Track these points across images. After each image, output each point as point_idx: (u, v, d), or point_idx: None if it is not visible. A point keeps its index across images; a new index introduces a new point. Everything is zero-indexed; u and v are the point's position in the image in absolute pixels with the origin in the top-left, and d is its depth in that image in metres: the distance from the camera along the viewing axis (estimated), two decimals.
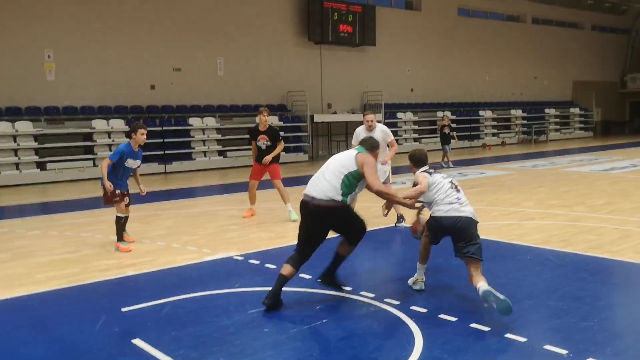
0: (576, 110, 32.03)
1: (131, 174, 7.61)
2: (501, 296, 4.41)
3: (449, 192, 5.01)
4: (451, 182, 5.17)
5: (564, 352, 3.85)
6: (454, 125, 25.65)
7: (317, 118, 21.17)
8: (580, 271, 5.94)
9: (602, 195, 10.65)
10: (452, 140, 17.91)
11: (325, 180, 5.03)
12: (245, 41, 20.37)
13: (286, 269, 4.99)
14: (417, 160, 5.40)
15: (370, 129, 8.36)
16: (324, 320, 4.54)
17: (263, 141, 9.32)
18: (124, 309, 4.96)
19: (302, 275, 5.82)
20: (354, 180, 5.00)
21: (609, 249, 6.59)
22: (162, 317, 4.79)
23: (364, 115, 8.53)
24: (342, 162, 5.11)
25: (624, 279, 5.78)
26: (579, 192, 11.00)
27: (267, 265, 6.29)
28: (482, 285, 4.54)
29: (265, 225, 8.63)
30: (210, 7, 19.63)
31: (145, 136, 7.40)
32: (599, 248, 6.65)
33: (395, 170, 16.75)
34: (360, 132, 8.39)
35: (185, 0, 19.11)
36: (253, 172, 9.50)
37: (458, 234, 4.83)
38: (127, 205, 7.54)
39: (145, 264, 6.53)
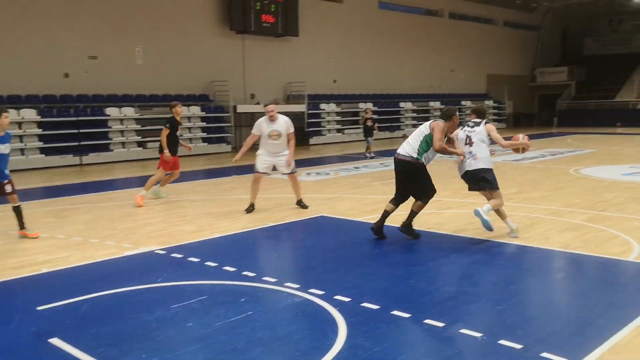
0: (490, 103, 33.48)
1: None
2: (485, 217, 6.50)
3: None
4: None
5: (479, 335, 4.05)
6: (375, 116, 26.17)
7: (240, 108, 20.99)
8: (494, 257, 6.26)
9: (513, 184, 11.22)
10: (374, 132, 18.26)
11: (408, 143, 6.73)
12: (165, 29, 19.82)
13: (389, 206, 6.88)
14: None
15: (272, 119, 8.59)
16: (249, 313, 4.54)
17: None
18: (39, 308, 4.75)
19: (226, 268, 5.80)
20: (430, 141, 6.64)
21: (520, 235, 6.96)
22: (80, 315, 4.63)
23: (265, 107, 8.80)
24: (421, 129, 6.78)
25: (533, 264, 6.14)
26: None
27: (190, 259, 6.20)
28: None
29: (188, 219, 8.48)
30: None
31: (8, 120, 7.01)
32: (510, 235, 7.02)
33: (319, 162, 16.91)
34: (262, 123, 8.64)
35: None
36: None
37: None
38: (9, 194, 7.12)
39: (61, 261, 6.27)
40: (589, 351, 3.78)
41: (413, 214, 6.79)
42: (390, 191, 10.67)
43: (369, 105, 25.96)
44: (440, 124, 6.69)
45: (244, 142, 9.13)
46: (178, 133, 10.08)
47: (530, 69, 38.07)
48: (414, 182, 6.74)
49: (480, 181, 6.86)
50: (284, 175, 9.32)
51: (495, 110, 33.83)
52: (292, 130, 8.84)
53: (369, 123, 17.71)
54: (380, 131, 26.01)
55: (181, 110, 10.26)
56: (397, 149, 6.89)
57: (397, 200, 6.86)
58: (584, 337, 4.05)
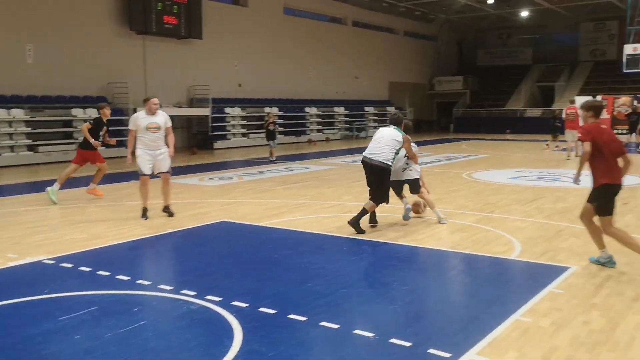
0: (392, 109, 34.63)
1: None
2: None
3: None
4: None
5: (371, 335, 4.19)
6: (280, 121, 26.34)
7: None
8: (390, 259, 6.48)
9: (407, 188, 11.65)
10: (277, 136, 18.41)
11: (382, 150, 7.50)
12: (59, 27, 18.82)
13: (368, 204, 7.51)
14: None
15: (152, 112, 8.54)
16: (142, 323, 4.42)
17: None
18: None
19: (119, 277, 5.60)
20: (398, 151, 7.65)
21: (414, 237, 7.27)
22: None
23: (149, 100, 8.62)
24: (394, 139, 7.57)
25: (426, 264, 6.43)
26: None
27: (81, 268, 5.93)
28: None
29: (81, 226, 8.10)
30: None
31: None
32: (407, 237, 7.31)
33: (223, 166, 16.72)
34: (139, 116, 8.56)
35: None
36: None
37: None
38: None
39: None
40: (471, 345, 4.01)
41: (364, 211, 7.50)
42: (293, 195, 10.77)
43: (274, 110, 26.10)
44: (408, 136, 7.75)
45: (131, 144, 8.89)
46: (101, 133, 10.56)
47: (429, 78, 39.80)
48: (379, 185, 7.55)
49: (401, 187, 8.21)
50: (156, 176, 8.84)
51: None
52: (170, 124, 8.74)
53: (272, 127, 17.80)
54: (285, 136, 26.29)
55: (109, 112, 10.87)
56: (364, 153, 7.70)
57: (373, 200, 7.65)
58: (467, 333, 4.29)
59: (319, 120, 29.11)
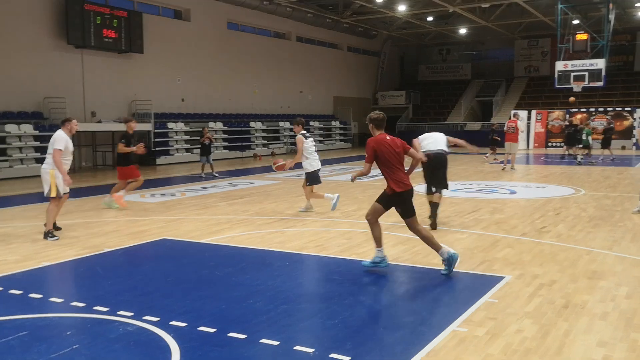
0: (337, 124, 34.97)
1: None
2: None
3: None
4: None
5: (311, 350, 4.20)
6: (225, 136, 26.19)
7: (80, 127, 19.71)
8: (332, 273, 6.52)
9: (354, 201, 11.80)
10: (212, 151, 18.60)
11: (438, 142, 8.97)
12: None
13: (436, 196, 8.83)
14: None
15: (72, 133, 8.64)
16: (75, 347, 4.27)
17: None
18: None
19: (53, 299, 5.41)
20: None
21: (355, 251, 7.34)
22: None
23: (71, 121, 8.69)
24: (442, 136, 9.11)
25: (367, 278, 6.48)
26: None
27: (12, 291, 5.68)
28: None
29: (12, 247, 7.77)
30: None
31: None
32: (349, 251, 7.38)
33: (165, 182, 16.43)
34: (67, 138, 8.41)
35: None
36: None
37: None
38: None
39: None
40: (410, 356, 4.07)
41: (436, 205, 8.75)
42: (236, 211, 10.70)
43: (219, 125, 25.93)
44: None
45: (84, 163, 8.63)
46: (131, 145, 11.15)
47: (373, 92, 40.45)
48: (445, 171, 8.84)
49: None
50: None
51: (342, 131, 35.38)
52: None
53: (207, 142, 17.81)
54: (230, 151, 26.11)
55: (135, 125, 11.64)
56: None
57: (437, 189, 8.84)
58: (406, 344, 4.36)
59: (265, 134, 29.06)
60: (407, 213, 6.41)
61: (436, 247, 6.28)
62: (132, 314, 4.96)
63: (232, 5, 26.79)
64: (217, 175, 17.52)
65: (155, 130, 22.66)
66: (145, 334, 4.55)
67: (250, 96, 28.83)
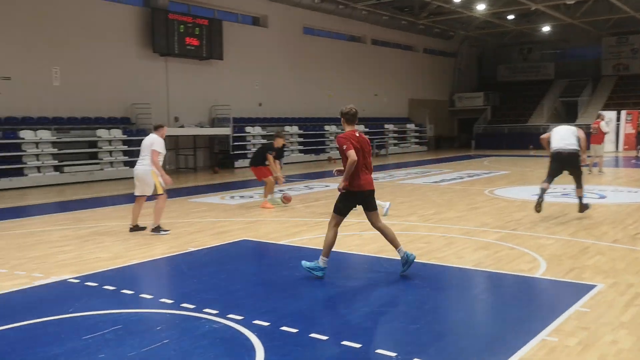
0: (412, 126, 34.57)
1: None
2: None
3: None
4: None
5: (393, 354, 4.15)
6: (300, 139, 26.56)
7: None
8: (411, 277, 6.43)
9: (432, 205, 11.61)
10: (284, 155, 18.92)
11: (568, 140, 9.51)
12: (84, 51, 19.25)
13: (579, 191, 9.62)
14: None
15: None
16: (165, 341, 4.44)
17: None
18: None
19: (143, 295, 5.65)
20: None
21: (435, 255, 7.21)
22: None
23: (162, 127, 9.20)
24: (573, 130, 9.57)
25: (447, 282, 6.36)
26: (412, 203, 11.89)
27: (106, 287, 5.99)
28: None
29: (104, 245, 8.20)
30: (46, 13, 18.30)
31: None
32: (428, 255, 7.26)
33: (244, 185, 16.84)
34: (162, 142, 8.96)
35: (16, 4, 17.61)
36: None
37: None
38: None
39: None
40: None
41: (580, 199, 9.67)
42: (313, 214, 10.80)
43: (294, 129, 26.28)
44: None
45: (167, 166, 9.10)
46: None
47: (449, 94, 39.70)
48: (578, 169, 9.49)
49: None
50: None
51: (417, 134, 34.95)
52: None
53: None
54: (305, 154, 26.40)
55: (282, 142, 11.97)
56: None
57: (551, 181, 9.69)
58: (492, 353, 4.23)
59: None
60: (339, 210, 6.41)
61: (395, 244, 6.32)
62: (217, 311, 5.11)
63: (309, 10, 27.11)
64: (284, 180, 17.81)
65: (234, 135, 23.26)
66: (230, 331, 4.67)
67: (325, 100, 29.04)
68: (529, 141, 32.81)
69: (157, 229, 8.86)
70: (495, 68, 42.44)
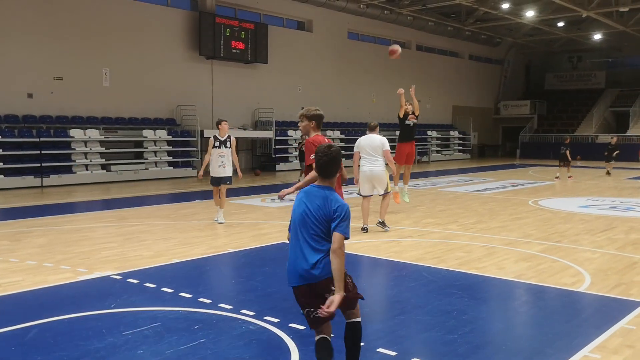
0: (455, 134, 34.15)
1: None
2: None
3: None
4: None
5: None
6: (343, 144, 26.50)
7: (207, 133, 20.89)
8: (450, 287, 6.33)
9: (473, 214, 11.42)
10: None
11: None
12: (133, 52, 19.78)
13: None
14: None
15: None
16: (202, 340, 4.50)
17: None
18: None
19: (182, 294, 5.74)
20: None
21: (475, 265, 7.09)
22: (27, 341, 4.51)
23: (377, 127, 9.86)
24: None
25: (487, 293, 6.24)
26: (453, 212, 11.73)
27: (147, 284, 6.11)
28: None
29: (146, 243, 8.38)
30: (97, 16, 18.89)
31: None
32: (467, 264, 7.14)
33: (285, 188, 16.93)
34: (362, 140, 9.59)
35: (69, 7, 18.23)
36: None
37: None
38: None
39: (12, 285, 6.11)
40: None
41: None
42: (354, 219, 10.74)
43: (337, 133, 26.33)
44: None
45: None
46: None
47: (495, 102, 39.05)
48: None
49: None
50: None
51: (460, 141, 34.50)
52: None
53: (304, 148, 18.12)
54: (346, 159, 26.36)
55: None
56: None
57: None
58: None
59: None
60: None
61: None
62: (254, 313, 5.14)
63: (353, 15, 27.12)
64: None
65: (276, 138, 23.44)
66: (266, 333, 4.69)
67: (368, 105, 28.99)
68: (576, 151, 31.95)
69: (382, 224, 9.49)
70: (543, 76, 41.57)
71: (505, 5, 26.69)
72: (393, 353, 4.28)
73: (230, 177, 10.17)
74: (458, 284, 6.42)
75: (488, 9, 27.55)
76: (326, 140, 5.68)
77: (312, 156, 5.07)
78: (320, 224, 3.57)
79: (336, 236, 3.50)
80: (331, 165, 3.64)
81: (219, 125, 10.03)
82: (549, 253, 7.76)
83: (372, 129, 9.65)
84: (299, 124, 5.62)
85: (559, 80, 40.94)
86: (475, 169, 25.49)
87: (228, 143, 10.04)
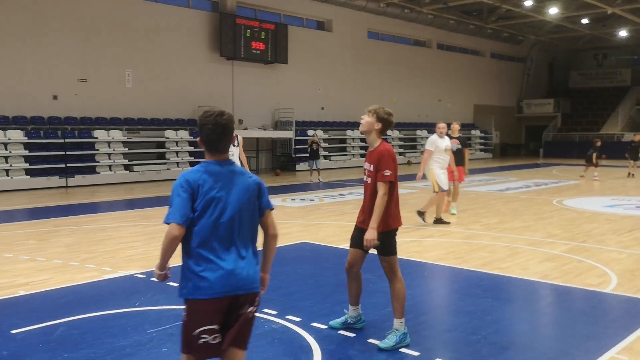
0: (477, 133, 33.85)
1: None
2: None
3: None
4: None
5: None
6: (362, 144, 26.49)
7: None
8: (473, 287, 6.29)
9: (496, 214, 11.32)
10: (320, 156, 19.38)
11: None
12: (155, 54, 19.99)
13: None
14: None
15: (442, 135, 10.10)
16: None
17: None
18: (13, 331, 4.71)
19: None
20: None
21: (498, 265, 7.02)
22: (54, 338, 4.59)
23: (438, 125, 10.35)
24: None
25: (511, 294, 6.18)
26: (475, 211, 11.64)
27: (170, 283, 6.16)
28: None
29: None
30: (120, 18, 19.13)
31: None
32: (490, 265, 7.08)
33: (305, 188, 16.96)
34: (437, 139, 10.06)
35: (92, 9, 18.49)
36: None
37: None
38: None
39: (39, 284, 6.22)
40: None
41: None
42: None
43: (357, 133, 26.29)
44: None
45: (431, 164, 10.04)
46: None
47: (517, 100, 38.63)
48: None
49: None
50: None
51: (482, 140, 34.19)
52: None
53: (315, 147, 18.52)
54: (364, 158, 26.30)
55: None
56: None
57: None
58: None
59: (401, 143, 28.94)
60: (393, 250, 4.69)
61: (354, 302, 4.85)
62: (276, 312, 5.16)
63: (373, 14, 27.06)
64: (321, 180, 18.07)
65: (296, 138, 23.49)
66: (288, 332, 4.71)
67: (388, 104, 28.81)
68: (601, 150, 31.48)
69: (421, 214, 9.95)
70: (567, 74, 41.02)
71: (528, 3, 26.39)
72: (416, 353, 4.27)
73: None
74: (481, 284, 6.37)
75: (511, 7, 27.26)
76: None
77: (387, 172, 4.39)
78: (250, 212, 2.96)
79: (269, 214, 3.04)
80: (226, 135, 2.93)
81: None
82: (574, 253, 7.66)
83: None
84: (361, 118, 4.83)
85: (584, 78, 40.34)
86: (498, 168, 25.25)
87: (236, 142, 10.12)
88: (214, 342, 2.85)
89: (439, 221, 9.96)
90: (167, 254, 2.97)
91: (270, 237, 3.19)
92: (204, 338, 2.82)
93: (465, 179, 11.74)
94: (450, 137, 11.06)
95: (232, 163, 2.97)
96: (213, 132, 2.89)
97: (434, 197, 9.94)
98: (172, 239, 2.90)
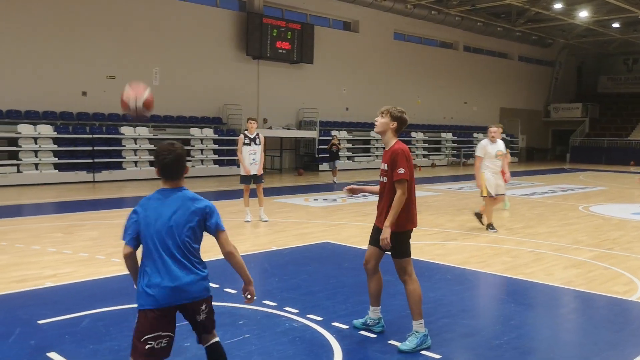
0: (503, 136, 33.46)
1: None
2: None
3: None
4: None
5: None
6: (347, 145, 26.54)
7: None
8: (496, 291, 6.24)
9: (521, 218, 11.20)
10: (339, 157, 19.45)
11: None
12: (182, 52, 20.20)
13: None
14: None
15: (494, 140, 9.63)
16: (246, 336, 4.57)
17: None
18: (40, 322, 4.81)
19: (227, 289, 5.84)
20: None
21: (522, 270, 6.95)
22: (80, 330, 4.68)
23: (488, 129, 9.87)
24: None
25: (534, 299, 6.11)
26: (499, 215, 11.52)
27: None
28: None
29: None
30: (149, 17, 19.39)
31: None
32: (514, 269, 7.01)
33: (328, 188, 16.97)
34: (487, 145, 9.63)
35: (123, 8, 18.77)
36: None
37: None
38: None
39: (65, 276, 6.34)
40: None
41: None
42: None
43: (336, 134, 26.32)
44: None
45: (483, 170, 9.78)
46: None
47: (544, 104, 38.14)
48: None
49: None
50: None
51: (508, 144, 33.82)
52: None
53: (334, 149, 18.55)
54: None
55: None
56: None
57: None
58: None
59: (425, 145, 28.79)
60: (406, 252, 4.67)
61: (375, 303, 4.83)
62: (297, 311, 5.19)
63: (400, 15, 26.97)
64: (335, 182, 18.12)
65: (320, 138, 23.53)
66: (309, 331, 4.73)
67: (413, 106, 28.74)
68: (630, 157, 30.94)
69: (479, 215, 10.03)
70: (596, 78, 40.37)
71: (558, 6, 26.05)
72: (437, 356, 4.25)
73: (262, 174, 10.31)
74: (504, 288, 6.32)
75: (540, 9, 26.94)
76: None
77: (401, 170, 4.36)
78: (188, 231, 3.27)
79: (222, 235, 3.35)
80: (178, 163, 3.28)
81: (248, 123, 10.21)
82: (600, 260, 7.54)
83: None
84: (375, 120, 4.85)
85: (613, 83, 39.66)
86: (524, 172, 24.96)
87: (257, 140, 10.17)
88: (157, 346, 3.25)
89: (489, 226, 9.66)
90: (128, 270, 3.38)
91: (226, 256, 3.45)
92: (150, 344, 3.23)
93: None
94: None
95: (182, 189, 3.32)
96: (166, 161, 3.27)
97: (487, 202, 9.68)
98: (124, 257, 3.30)
